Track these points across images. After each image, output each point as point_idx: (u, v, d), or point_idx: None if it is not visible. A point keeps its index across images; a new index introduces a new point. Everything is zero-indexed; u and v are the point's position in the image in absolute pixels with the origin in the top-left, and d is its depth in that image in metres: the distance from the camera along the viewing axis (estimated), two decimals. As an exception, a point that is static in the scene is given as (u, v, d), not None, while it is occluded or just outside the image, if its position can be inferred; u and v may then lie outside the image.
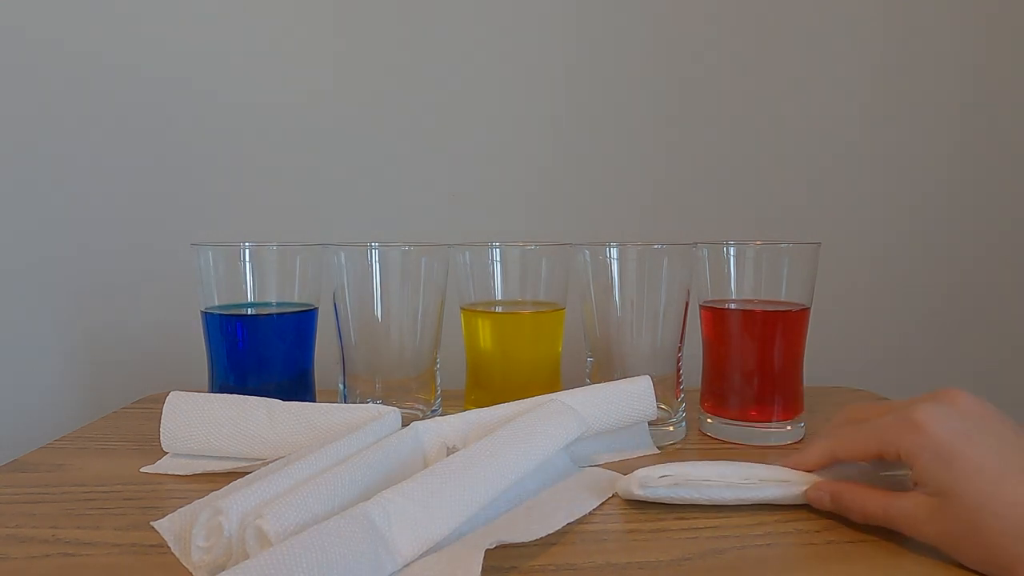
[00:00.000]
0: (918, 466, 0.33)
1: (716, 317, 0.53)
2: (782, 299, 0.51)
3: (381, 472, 0.36)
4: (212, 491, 0.37)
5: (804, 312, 0.52)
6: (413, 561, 0.31)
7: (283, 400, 0.46)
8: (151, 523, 0.35)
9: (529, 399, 0.46)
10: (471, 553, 0.31)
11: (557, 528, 0.35)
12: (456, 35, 0.72)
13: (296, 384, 0.54)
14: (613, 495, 0.41)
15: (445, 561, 0.31)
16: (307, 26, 0.71)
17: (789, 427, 0.52)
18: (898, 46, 0.75)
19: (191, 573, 0.31)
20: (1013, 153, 0.77)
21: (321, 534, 0.28)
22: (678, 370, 0.53)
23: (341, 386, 0.54)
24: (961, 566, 0.32)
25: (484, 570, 0.30)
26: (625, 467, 0.45)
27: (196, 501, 0.36)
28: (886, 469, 0.38)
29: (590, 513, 0.38)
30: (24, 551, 0.33)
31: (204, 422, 0.45)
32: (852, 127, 0.76)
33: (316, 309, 0.56)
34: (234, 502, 0.31)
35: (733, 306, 0.52)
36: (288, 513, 0.30)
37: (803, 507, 0.39)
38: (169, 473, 0.44)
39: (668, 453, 0.49)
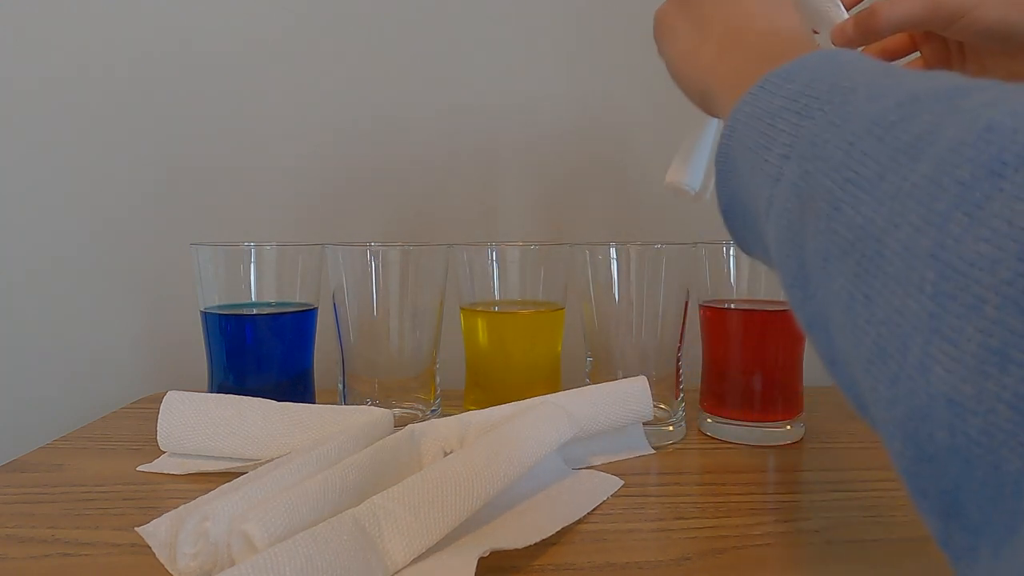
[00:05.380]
0: None
1: (716, 317, 0.53)
2: (782, 299, 0.51)
3: (374, 476, 0.36)
4: (209, 491, 0.37)
5: (804, 312, 0.52)
6: (404, 568, 0.31)
7: (283, 400, 0.46)
8: (135, 528, 0.35)
9: (525, 401, 0.45)
10: (464, 561, 0.30)
11: (551, 534, 0.34)
12: (456, 35, 0.72)
13: (295, 384, 0.54)
14: (608, 498, 0.40)
15: (437, 569, 0.31)
16: (309, 27, 0.71)
17: (789, 427, 0.52)
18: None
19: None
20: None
21: (307, 541, 0.28)
22: (678, 370, 0.53)
23: (340, 386, 0.54)
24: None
25: (484, 569, 0.30)
26: (620, 468, 0.45)
27: (183, 506, 0.35)
28: None
29: (589, 513, 0.38)
30: (23, 551, 0.33)
31: (201, 422, 0.45)
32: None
33: (316, 309, 0.56)
34: (222, 507, 0.31)
35: (733, 306, 0.52)
36: (276, 518, 0.30)
37: (801, 507, 0.39)
38: (165, 472, 0.44)
39: (667, 453, 0.49)
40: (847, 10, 0.40)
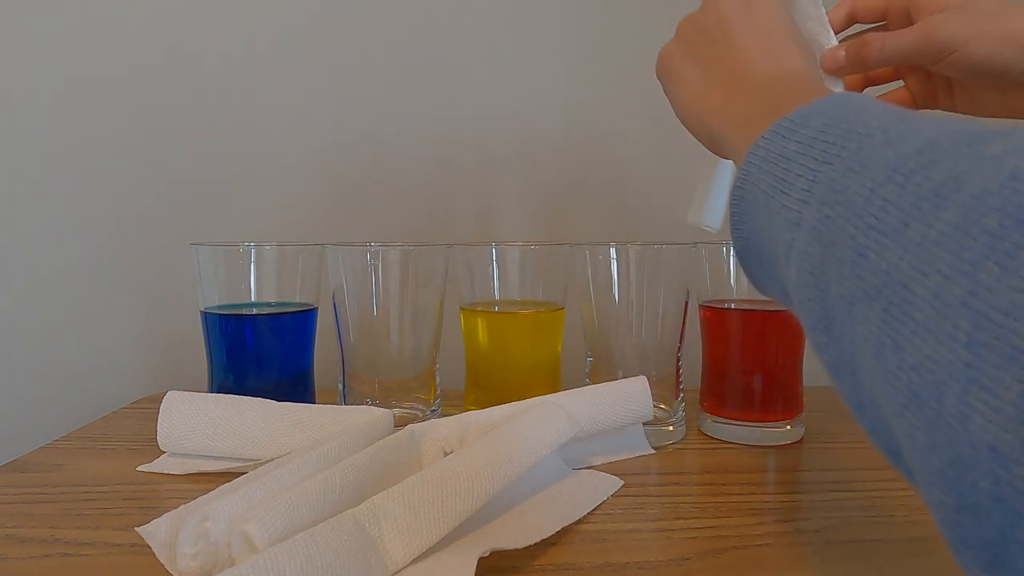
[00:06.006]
0: None
1: (716, 317, 0.53)
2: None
3: (374, 476, 0.36)
4: (209, 491, 0.37)
5: (804, 312, 0.52)
6: (404, 568, 0.31)
7: (283, 400, 0.46)
8: (135, 528, 0.35)
9: (525, 401, 0.45)
10: (464, 561, 0.30)
11: (551, 534, 0.34)
12: (455, 35, 0.72)
13: (295, 384, 0.54)
14: (608, 498, 0.40)
15: (437, 569, 0.31)
16: (310, 28, 0.71)
17: (789, 427, 0.52)
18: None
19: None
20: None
21: (307, 541, 0.28)
22: (678, 370, 0.53)
23: (340, 386, 0.54)
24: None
25: (484, 569, 0.30)
26: (620, 468, 0.45)
27: (183, 506, 0.35)
28: None
29: (589, 513, 0.38)
30: (23, 551, 0.33)
31: (201, 422, 0.45)
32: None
33: (316, 309, 0.56)
34: (222, 507, 0.31)
35: (733, 306, 0.52)
36: (276, 518, 0.30)
37: (801, 507, 0.39)
38: (165, 472, 0.44)
39: (667, 453, 0.49)
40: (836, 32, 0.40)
